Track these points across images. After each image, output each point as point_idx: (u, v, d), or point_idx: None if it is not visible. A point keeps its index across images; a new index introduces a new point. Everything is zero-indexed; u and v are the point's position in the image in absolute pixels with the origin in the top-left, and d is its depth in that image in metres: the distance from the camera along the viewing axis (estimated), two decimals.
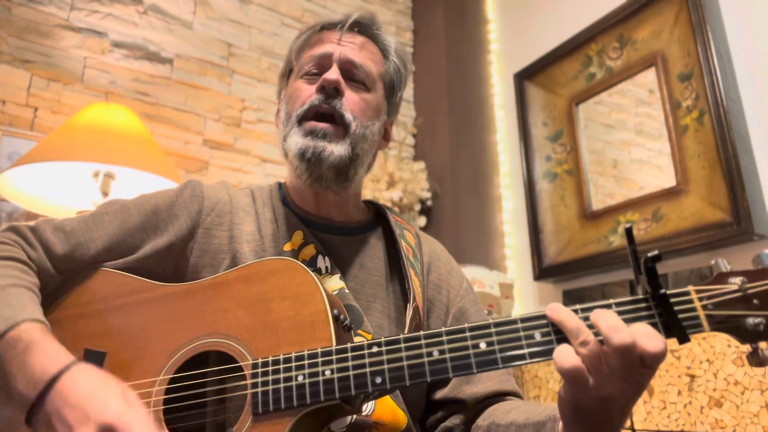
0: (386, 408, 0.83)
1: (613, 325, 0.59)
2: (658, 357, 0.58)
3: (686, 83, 1.82)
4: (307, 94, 0.93)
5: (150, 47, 2.12)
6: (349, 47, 0.96)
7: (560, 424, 0.68)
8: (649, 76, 1.96)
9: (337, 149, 0.90)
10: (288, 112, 0.96)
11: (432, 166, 2.54)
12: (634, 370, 0.58)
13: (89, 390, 0.65)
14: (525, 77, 2.43)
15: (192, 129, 2.14)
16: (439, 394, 0.92)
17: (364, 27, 1.00)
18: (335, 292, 0.87)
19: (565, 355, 0.60)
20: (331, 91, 0.91)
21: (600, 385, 0.59)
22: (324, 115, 0.91)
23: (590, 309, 0.63)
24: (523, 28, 2.59)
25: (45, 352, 0.68)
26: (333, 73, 0.91)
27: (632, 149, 2.00)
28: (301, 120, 0.92)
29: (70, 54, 1.94)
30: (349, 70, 0.95)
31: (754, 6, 1.74)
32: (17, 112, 1.81)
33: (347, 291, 0.89)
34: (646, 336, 0.58)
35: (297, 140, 0.91)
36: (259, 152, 2.28)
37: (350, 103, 0.93)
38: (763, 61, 1.69)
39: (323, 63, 0.95)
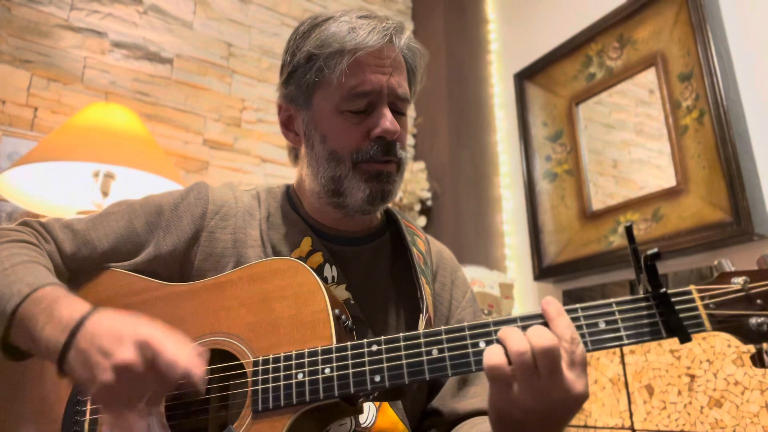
0: (388, 420, 0.83)
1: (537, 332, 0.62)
2: (547, 351, 0.59)
3: (686, 83, 1.82)
4: (360, 137, 0.87)
5: (150, 47, 2.12)
6: (395, 78, 0.88)
7: None
8: (649, 76, 1.96)
9: (396, 188, 0.90)
10: (335, 152, 0.88)
11: (432, 166, 2.54)
12: (552, 384, 0.60)
13: (119, 320, 0.67)
14: (525, 77, 2.43)
15: (192, 129, 2.14)
16: (429, 404, 0.93)
17: (399, 41, 0.90)
18: (341, 302, 0.86)
19: (492, 353, 0.61)
20: (392, 142, 0.87)
21: (522, 396, 0.60)
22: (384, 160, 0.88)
23: (591, 308, 0.64)
24: (523, 28, 2.60)
25: (70, 303, 0.71)
26: (392, 123, 0.86)
27: (632, 149, 2.00)
28: (358, 163, 0.87)
29: (70, 54, 1.95)
30: (394, 103, 0.89)
31: (754, 6, 1.74)
32: (17, 112, 1.82)
33: (353, 302, 0.88)
34: (534, 333, 0.61)
35: (361, 185, 0.87)
36: (259, 152, 2.28)
37: (401, 139, 0.90)
38: (763, 61, 1.69)
39: (371, 99, 0.86)
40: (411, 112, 2.79)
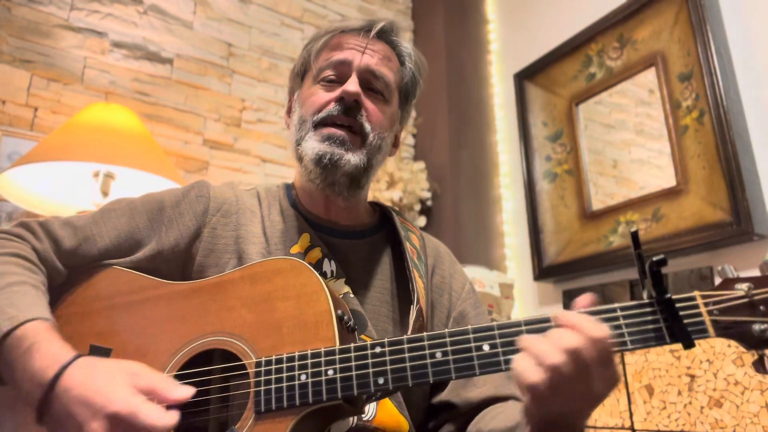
0: (388, 414, 0.83)
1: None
2: (598, 342, 0.58)
3: (686, 83, 1.82)
4: (325, 101, 0.92)
5: (150, 47, 2.12)
6: (369, 55, 0.94)
7: (528, 429, 0.68)
8: (649, 76, 1.96)
9: (354, 158, 0.89)
10: (302, 116, 0.94)
11: (432, 166, 2.54)
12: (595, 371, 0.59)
13: (92, 384, 0.66)
14: (525, 77, 2.43)
15: (192, 129, 2.14)
16: (437, 398, 0.92)
17: (384, 33, 0.98)
18: (340, 296, 0.87)
19: (528, 370, 0.59)
20: (351, 104, 0.90)
21: (560, 401, 0.60)
22: (342, 120, 0.91)
23: (596, 313, 0.64)
24: (523, 28, 2.60)
25: (46, 352, 0.69)
26: (353, 85, 0.90)
27: (632, 149, 2.01)
28: (318, 125, 0.91)
29: (70, 54, 1.94)
30: (368, 80, 0.94)
31: (754, 6, 1.74)
32: (17, 112, 1.81)
33: (352, 295, 0.89)
34: (562, 340, 0.59)
35: (314, 145, 0.90)
36: (259, 152, 2.28)
37: (369, 114, 0.92)
38: (763, 61, 1.69)
39: (343, 70, 0.93)
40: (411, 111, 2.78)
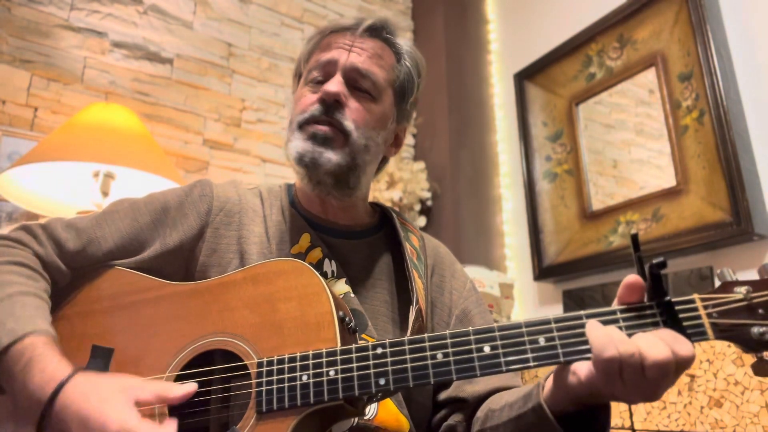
0: (388, 413, 0.83)
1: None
2: (689, 360, 0.57)
3: (686, 83, 1.82)
4: (309, 102, 0.92)
5: (150, 47, 2.12)
6: (357, 53, 0.93)
7: (544, 391, 0.68)
8: (649, 76, 1.96)
9: (335, 157, 0.89)
10: (291, 118, 0.95)
11: (432, 166, 2.54)
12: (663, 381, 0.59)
13: (89, 402, 0.66)
14: (525, 77, 2.44)
15: (192, 129, 2.14)
16: (443, 395, 0.93)
17: (375, 31, 0.97)
18: (341, 297, 0.87)
19: (606, 345, 0.58)
20: (332, 103, 0.90)
21: (626, 389, 0.59)
22: (324, 120, 0.91)
23: (596, 315, 0.63)
24: (523, 28, 2.60)
25: (44, 368, 0.69)
26: (334, 85, 0.90)
27: (632, 149, 2.01)
28: (302, 125, 0.91)
29: (70, 54, 1.94)
30: (354, 79, 0.93)
31: (754, 6, 1.74)
32: (17, 112, 1.81)
33: (352, 295, 0.89)
34: (676, 341, 0.58)
35: (297, 144, 0.90)
36: (259, 152, 2.28)
37: (352, 112, 0.91)
38: (763, 61, 1.70)
39: (328, 70, 0.93)
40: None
